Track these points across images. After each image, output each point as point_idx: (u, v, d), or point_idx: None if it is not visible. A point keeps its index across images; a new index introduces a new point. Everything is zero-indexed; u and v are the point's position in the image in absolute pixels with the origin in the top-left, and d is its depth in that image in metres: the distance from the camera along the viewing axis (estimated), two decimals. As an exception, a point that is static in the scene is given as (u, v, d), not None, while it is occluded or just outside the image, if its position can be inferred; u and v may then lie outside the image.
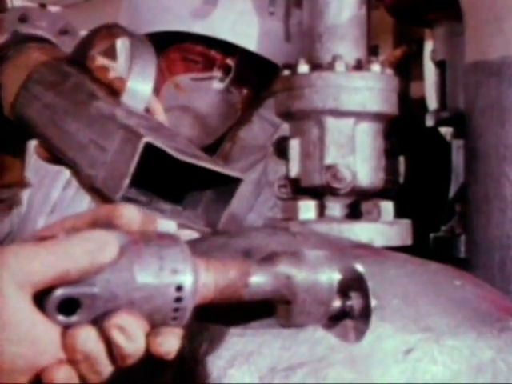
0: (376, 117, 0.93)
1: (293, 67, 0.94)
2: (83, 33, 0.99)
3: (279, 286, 0.61)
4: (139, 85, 0.87)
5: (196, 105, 1.33)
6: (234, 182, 0.82)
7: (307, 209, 0.92)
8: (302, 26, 1.00)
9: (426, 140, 1.34)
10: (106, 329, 0.55)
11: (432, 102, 1.45)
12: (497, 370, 0.68)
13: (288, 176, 0.95)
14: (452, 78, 1.21)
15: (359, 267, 0.63)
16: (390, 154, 0.97)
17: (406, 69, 1.88)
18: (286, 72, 0.95)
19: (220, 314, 0.64)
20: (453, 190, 1.18)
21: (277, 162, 0.99)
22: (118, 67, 0.92)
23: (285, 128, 0.99)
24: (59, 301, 0.54)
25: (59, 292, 0.54)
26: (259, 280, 0.60)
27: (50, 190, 1.41)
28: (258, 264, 0.61)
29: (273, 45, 1.30)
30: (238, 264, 0.60)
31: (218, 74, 1.32)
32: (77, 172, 0.89)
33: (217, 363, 0.65)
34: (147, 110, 0.89)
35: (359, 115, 0.92)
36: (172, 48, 1.34)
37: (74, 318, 0.55)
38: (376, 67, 0.93)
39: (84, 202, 1.32)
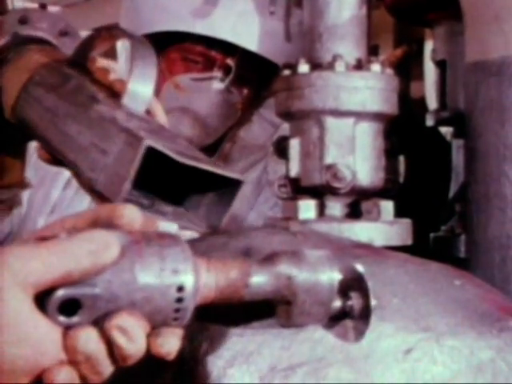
0: (376, 116, 0.93)
1: (293, 67, 0.94)
2: (83, 33, 1.00)
3: (280, 286, 0.61)
4: (140, 87, 0.87)
5: (196, 105, 1.33)
6: (235, 184, 0.82)
7: (307, 208, 0.92)
8: (302, 26, 1.00)
9: (426, 140, 1.34)
10: (107, 329, 0.55)
11: (432, 102, 1.45)
12: (497, 369, 0.68)
13: (288, 175, 0.95)
14: (452, 77, 1.21)
15: (359, 267, 0.63)
16: (390, 153, 0.97)
17: (407, 68, 1.88)
18: (286, 72, 0.95)
19: (220, 314, 0.64)
20: (453, 190, 1.18)
21: (277, 162, 0.98)
22: (118, 69, 0.92)
23: (285, 128, 0.99)
24: (60, 301, 0.54)
25: (60, 293, 0.54)
26: (260, 280, 0.60)
27: (50, 190, 1.41)
28: (258, 264, 0.61)
29: (273, 45, 1.30)
30: (238, 264, 0.60)
31: (218, 74, 1.32)
32: (77, 174, 0.89)
33: (217, 363, 0.65)
34: (148, 111, 0.89)
35: (359, 115, 0.92)
36: (172, 48, 1.34)
37: (75, 319, 0.55)
38: (376, 67, 0.93)
39: (84, 202, 1.32)
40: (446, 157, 1.18)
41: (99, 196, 0.83)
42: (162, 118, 0.92)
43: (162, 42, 1.30)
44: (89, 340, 0.54)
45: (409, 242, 0.94)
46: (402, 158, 0.99)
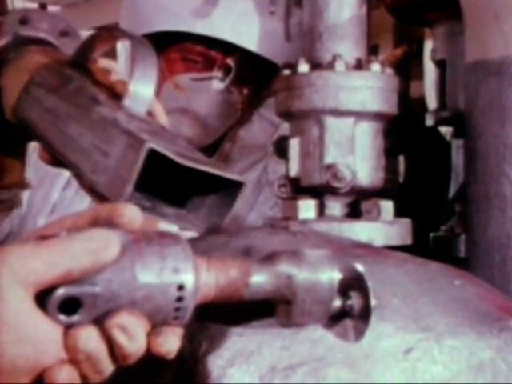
0: (376, 116, 0.93)
1: (293, 67, 0.94)
2: (84, 33, 1.00)
3: (280, 285, 0.61)
4: (141, 88, 0.87)
5: (196, 105, 1.33)
6: (237, 186, 0.82)
7: (307, 208, 0.93)
8: (302, 26, 1.00)
9: (425, 139, 1.34)
10: (108, 328, 0.55)
11: (432, 102, 1.45)
12: (497, 369, 0.68)
13: (288, 175, 0.95)
14: (452, 77, 1.21)
15: (359, 267, 0.63)
16: (389, 153, 0.97)
17: (406, 68, 1.88)
18: (286, 71, 0.95)
19: (220, 314, 0.64)
20: (453, 190, 1.18)
21: (277, 162, 0.99)
22: (119, 69, 0.92)
23: (285, 127, 0.99)
24: (61, 300, 0.54)
25: (61, 291, 0.54)
26: (260, 279, 0.60)
27: (50, 190, 1.41)
28: (258, 263, 0.61)
29: (273, 45, 1.30)
30: (238, 263, 0.60)
31: (218, 73, 1.32)
32: (79, 176, 0.89)
33: (217, 363, 0.65)
34: (149, 112, 0.89)
35: (359, 115, 0.92)
36: (172, 48, 1.34)
37: (75, 318, 0.55)
38: (376, 67, 0.93)
39: (84, 203, 1.32)
40: (446, 157, 1.18)
41: (100, 198, 0.83)
42: (162, 118, 0.92)
43: (162, 42, 1.30)
44: (89, 339, 0.54)
45: (408, 241, 0.94)
46: (401, 158, 0.99)
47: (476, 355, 0.68)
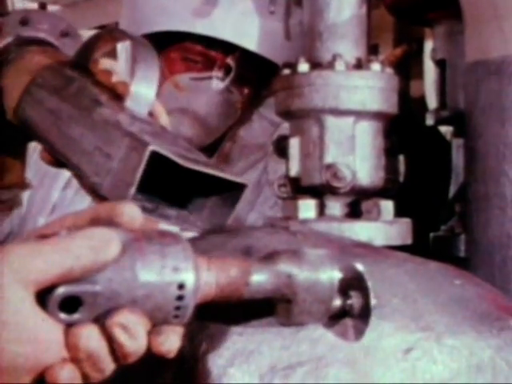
0: (376, 116, 0.93)
1: (293, 66, 0.94)
2: (84, 32, 0.99)
3: (280, 284, 0.61)
4: (143, 89, 0.87)
5: (196, 104, 1.33)
6: (239, 187, 0.82)
7: (307, 208, 0.92)
8: (302, 26, 1.00)
9: (425, 139, 1.34)
10: (109, 327, 0.55)
11: (432, 101, 1.45)
12: (497, 369, 0.68)
13: (288, 175, 0.95)
14: (452, 77, 1.21)
15: (359, 266, 0.63)
16: (389, 152, 0.97)
17: (406, 68, 1.88)
18: (286, 71, 0.95)
19: (220, 313, 0.64)
20: (453, 189, 1.18)
21: (277, 161, 0.98)
22: (120, 70, 0.92)
23: (285, 127, 0.99)
24: (61, 299, 0.54)
25: (61, 290, 0.54)
26: (260, 279, 0.60)
27: (50, 190, 1.41)
28: (258, 262, 0.61)
29: (273, 44, 1.30)
30: (238, 262, 0.60)
31: (218, 73, 1.32)
32: (81, 177, 0.89)
33: (217, 362, 0.65)
34: (150, 113, 0.89)
35: (359, 114, 0.92)
36: (172, 48, 1.34)
37: (76, 316, 0.55)
38: (376, 66, 0.93)
39: (84, 203, 1.32)
40: (446, 156, 1.19)
41: (102, 199, 0.83)
42: (163, 119, 0.92)
43: (162, 42, 1.30)
44: (90, 337, 0.54)
45: (408, 241, 0.94)
46: (401, 158, 0.99)
47: (476, 355, 0.68)
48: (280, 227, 0.82)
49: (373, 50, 1.02)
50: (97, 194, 0.84)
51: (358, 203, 0.93)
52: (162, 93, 1.30)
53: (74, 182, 1.00)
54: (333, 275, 0.62)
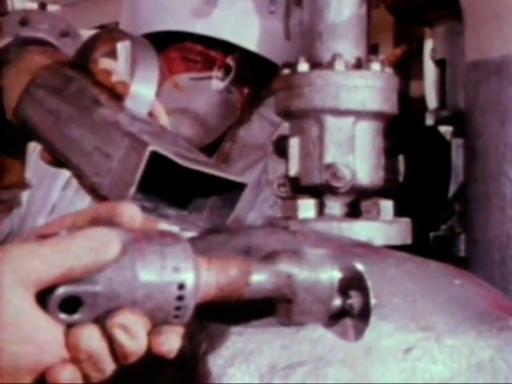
0: (376, 116, 0.93)
1: (292, 66, 0.94)
2: (84, 32, 0.99)
3: (280, 284, 0.61)
4: (142, 89, 0.87)
5: (195, 104, 1.33)
6: (239, 187, 0.82)
7: (307, 207, 0.93)
8: (302, 25, 1.00)
9: (425, 139, 1.34)
10: (109, 327, 0.55)
11: (432, 101, 1.45)
12: (496, 368, 0.68)
13: (287, 175, 0.95)
14: (452, 76, 1.21)
15: (359, 266, 0.63)
16: (389, 152, 0.97)
17: (406, 68, 1.88)
18: (286, 71, 0.95)
19: (220, 313, 0.64)
20: (452, 189, 1.18)
21: (276, 161, 0.98)
22: (119, 70, 0.92)
23: (284, 127, 0.99)
24: (61, 299, 0.54)
25: (61, 290, 0.54)
26: (260, 278, 0.60)
27: (50, 190, 1.41)
28: (258, 263, 0.61)
29: (273, 44, 1.30)
30: (238, 262, 0.60)
31: (217, 73, 1.32)
32: (80, 177, 0.89)
33: (217, 362, 0.65)
34: (149, 113, 0.89)
35: (359, 114, 0.92)
36: (172, 47, 1.34)
37: (76, 317, 0.55)
38: (376, 66, 0.93)
39: (84, 202, 1.32)
40: (446, 156, 1.18)
41: (101, 198, 0.83)
42: (163, 119, 0.92)
43: (161, 42, 1.30)
44: (91, 338, 0.54)
45: (408, 241, 0.94)
46: (401, 158, 0.99)
47: (476, 354, 0.68)
48: (280, 227, 0.82)
49: (373, 49, 1.02)
50: (97, 194, 0.84)
51: (357, 203, 0.93)
52: (161, 93, 1.30)
53: (74, 182, 1.01)
54: (333, 275, 0.63)
